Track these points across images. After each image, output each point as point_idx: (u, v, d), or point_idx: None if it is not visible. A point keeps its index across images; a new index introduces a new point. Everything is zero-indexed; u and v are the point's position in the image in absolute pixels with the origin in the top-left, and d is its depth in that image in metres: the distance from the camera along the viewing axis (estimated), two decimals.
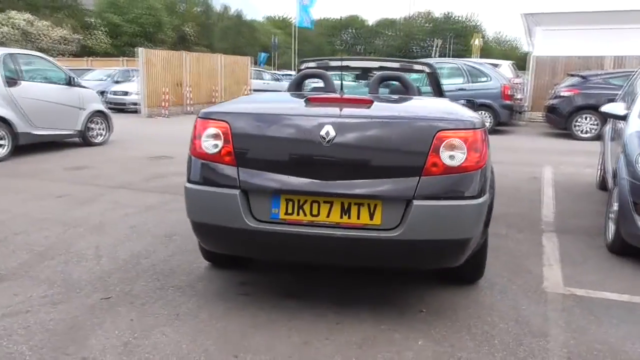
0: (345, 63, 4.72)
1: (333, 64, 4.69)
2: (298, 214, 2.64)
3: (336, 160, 2.60)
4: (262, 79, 21.55)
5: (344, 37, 71.35)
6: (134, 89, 15.90)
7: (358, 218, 2.60)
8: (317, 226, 2.62)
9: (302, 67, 4.71)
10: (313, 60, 4.73)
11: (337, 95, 3.02)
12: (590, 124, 11.02)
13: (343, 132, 2.59)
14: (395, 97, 3.95)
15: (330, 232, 2.58)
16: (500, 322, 2.80)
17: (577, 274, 3.51)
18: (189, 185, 2.84)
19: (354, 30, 69.58)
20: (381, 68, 4.68)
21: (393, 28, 71.91)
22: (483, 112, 11.74)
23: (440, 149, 2.56)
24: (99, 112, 9.21)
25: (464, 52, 63.73)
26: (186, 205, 2.87)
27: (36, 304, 2.89)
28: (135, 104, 15.65)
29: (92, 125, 9.10)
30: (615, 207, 3.89)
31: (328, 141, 2.58)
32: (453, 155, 2.56)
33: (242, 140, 2.72)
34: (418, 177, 2.55)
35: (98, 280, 3.26)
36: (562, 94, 11.28)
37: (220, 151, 2.74)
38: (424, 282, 3.30)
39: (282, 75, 24.82)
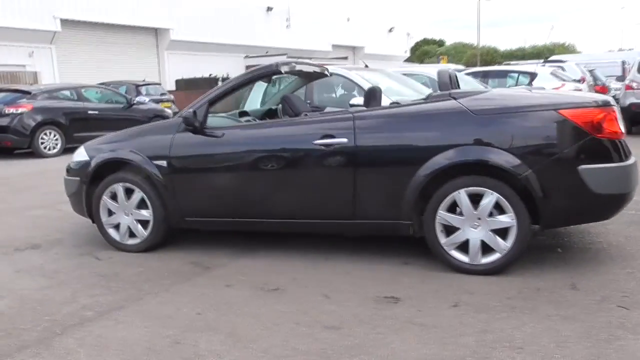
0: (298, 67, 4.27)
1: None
2: None
3: None
4: None
5: None
6: None
7: None
8: None
9: (284, 69, 3.91)
10: (287, 63, 4.00)
11: None
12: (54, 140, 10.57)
13: None
14: None
15: None
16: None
17: None
18: (624, 163, 3.17)
19: None
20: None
21: None
22: None
23: None
24: None
25: None
26: (618, 181, 3.17)
27: None
28: None
29: None
30: None
31: None
32: None
33: None
34: None
35: None
36: (11, 111, 10.05)
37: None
38: None
39: None
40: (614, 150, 3.18)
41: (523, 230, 3.22)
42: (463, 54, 48.09)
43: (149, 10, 23.20)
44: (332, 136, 3.51)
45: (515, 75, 11.04)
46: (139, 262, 3.88)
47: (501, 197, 3.22)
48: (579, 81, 11.32)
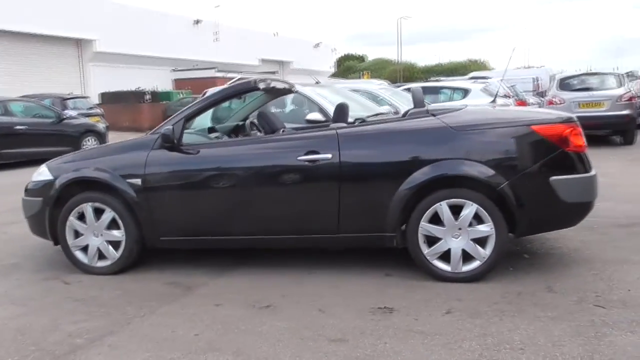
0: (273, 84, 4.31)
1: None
2: None
3: None
4: None
5: None
6: None
7: None
8: None
9: (261, 86, 3.93)
10: (264, 80, 4.02)
11: None
12: None
13: None
14: None
15: None
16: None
17: None
18: (588, 174, 3.47)
19: None
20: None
21: None
22: None
23: None
24: None
25: None
26: (584, 191, 3.47)
27: None
28: None
29: None
30: None
31: None
32: None
33: None
34: None
35: None
36: None
37: None
38: None
39: None
40: (579, 162, 3.47)
41: (501, 239, 3.42)
42: (384, 69, 49.59)
43: (71, 20, 22.21)
44: (316, 152, 3.57)
45: (448, 91, 11.60)
46: (113, 284, 3.73)
47: (480, 207, 3.41)
48: (505, 96, 12.04)
